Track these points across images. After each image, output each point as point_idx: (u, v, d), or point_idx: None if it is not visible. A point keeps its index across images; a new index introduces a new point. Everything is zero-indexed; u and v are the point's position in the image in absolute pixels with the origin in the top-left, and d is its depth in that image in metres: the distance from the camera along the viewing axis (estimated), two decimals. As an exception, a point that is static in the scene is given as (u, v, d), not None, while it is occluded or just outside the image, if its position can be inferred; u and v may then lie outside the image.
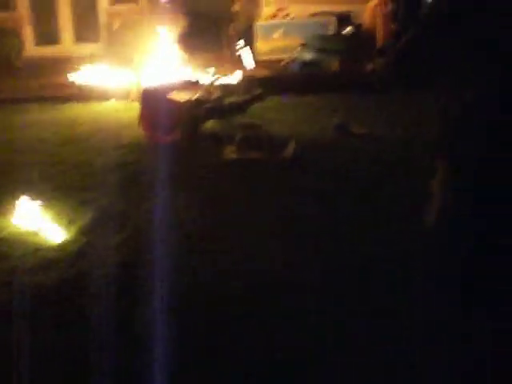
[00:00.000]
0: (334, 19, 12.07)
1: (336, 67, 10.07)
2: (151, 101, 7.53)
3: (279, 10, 12.36)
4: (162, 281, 4.01)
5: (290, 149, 6.61)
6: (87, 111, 9.09)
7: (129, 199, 5.48)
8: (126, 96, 9.27)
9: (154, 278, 4.04)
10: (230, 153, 6.61)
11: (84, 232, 4.81)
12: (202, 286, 4.05)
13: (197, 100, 7.80)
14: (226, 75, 9.57)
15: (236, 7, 10.27)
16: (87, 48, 12.18)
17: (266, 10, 12.43)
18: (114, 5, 12.51)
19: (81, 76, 10.22)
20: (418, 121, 6.21)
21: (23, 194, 5.57)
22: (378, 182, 5.81)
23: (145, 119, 7.48)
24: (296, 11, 12.33)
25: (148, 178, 5.97)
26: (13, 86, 10.12)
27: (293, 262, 4.31)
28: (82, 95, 9.77)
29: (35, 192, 5.67)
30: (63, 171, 6.34)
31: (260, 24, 12.15)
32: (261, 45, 12.13)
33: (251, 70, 9.78)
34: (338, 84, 9.40)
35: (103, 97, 9.64)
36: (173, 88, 7.81)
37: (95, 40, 12.46)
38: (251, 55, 10.08)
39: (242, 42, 10.05)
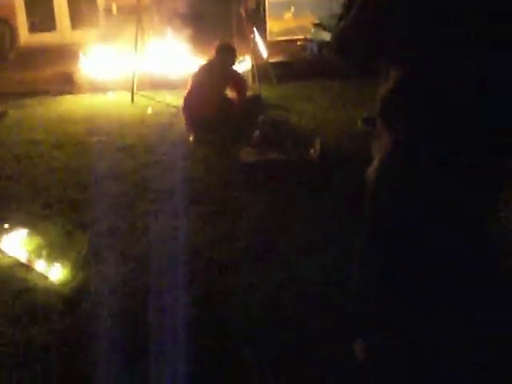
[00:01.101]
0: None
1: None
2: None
3: (290, -14, 11.41)
4: (175, 334, 3.23)
5: (316, 148, 5.76)
6: (86, 105, 8.25)
7: (134, 218, 4.66)
8: (127, 87, 8.39)
9: (166, 331, 3.25)
10: (247, 154, 5.76)
11: (81, 266, 3.98)
12: (228, 336, 3.24)
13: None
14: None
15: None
16: (85, 34, 11.29)
17: (276, -13, 11.50)
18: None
19: (78, 66, 9.36)
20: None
21: (9, 213, 4.80)
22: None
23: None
24: (308, -13, 11.39)
25: (156, 188, 5.15)
26: (4, 79, 9.24)
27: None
28: (80, 87, 8.95)
29: (24, 210, 4.89)
30: (58, 181, 5.50)
31: (269, 2, 11.24)
32: (271, 25, 11.23)
33: (264, 55, 8.88)
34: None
35: (103, 89, 8.80)
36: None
37: (93, 26, 11.57)
38: (262, 39, 9.19)
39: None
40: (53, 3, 12.00)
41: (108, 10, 11.12)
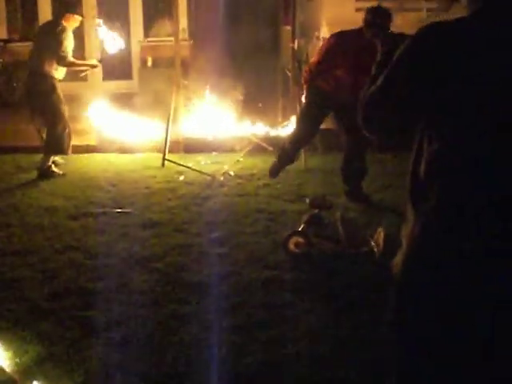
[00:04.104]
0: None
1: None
2: None
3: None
4: None
5: (379, 239, 4.84)
6: (112, 167, 7.46)
7: (157, 324, 3.74)
8: (158, 149, 7.61)
9: None
10: (295, 243, 4.86)
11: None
12: None
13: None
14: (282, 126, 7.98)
15: (295, 42, 8.52)
16: (117, 86, 10.64)
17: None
18: (148, 38, 10.97)
19: (107, 121, 8.62)
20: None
21: (8, 304, 3.95)
22: None
23: None
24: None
25: (186, 282, 4.27)
26: (21, 132, 8.41)
27: None
28: (105, 146, 8.16)
29: (26, 301, 4.04)
30: (71, 263, 4.65)
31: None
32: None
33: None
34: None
35: (132, 149, 8.02)
36: None
37: (126, 78, 10.92)
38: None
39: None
40: (84, 52, 11.39)
41: (143, 62, 10.44)
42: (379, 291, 4.04)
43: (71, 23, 6.95)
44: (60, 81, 7.06)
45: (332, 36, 6.02)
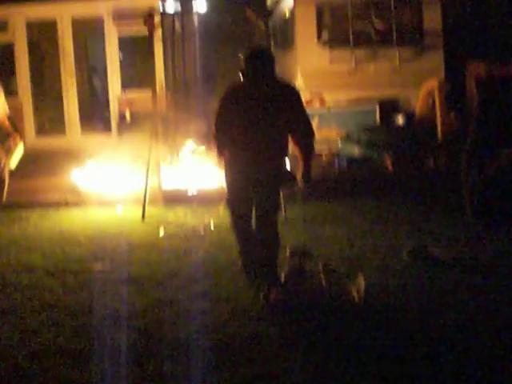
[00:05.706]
0: (377, 107, 10.54)
1: (390, 165, 8.42)
2: None
3: (313, 96, 10.85)
4: None
5: (359, 286, 4.83)
6: (91, 221, 7.42)
7: (140, 384, 3.69)
8: (138, 201, 7.58)
9: None
10: (277, 295, 4.81)
11: None
12: None
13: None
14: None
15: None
16: (96, 140, 10.66)
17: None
18: (126, 91, 11.04)
19: (86, 175, 8.61)
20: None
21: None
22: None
23: None
24: (333, 98, 10.80)
25: (170, 339, 4.21)
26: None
27: None
28: (87, 199, 8.13)
29: (5, 362, 3.94)
30: (50, 323, 4.56)
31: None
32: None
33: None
34: (398, 186, 7.76)
35: (112, 201, 7.99)
36: None
37: (105, 132, 10.95)
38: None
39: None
40: (63, 106, 11.44)
41: (121, 117, 10.50)
42: (364, 341, 4.05)
43: None
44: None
45: (223, 94, 5.05)
